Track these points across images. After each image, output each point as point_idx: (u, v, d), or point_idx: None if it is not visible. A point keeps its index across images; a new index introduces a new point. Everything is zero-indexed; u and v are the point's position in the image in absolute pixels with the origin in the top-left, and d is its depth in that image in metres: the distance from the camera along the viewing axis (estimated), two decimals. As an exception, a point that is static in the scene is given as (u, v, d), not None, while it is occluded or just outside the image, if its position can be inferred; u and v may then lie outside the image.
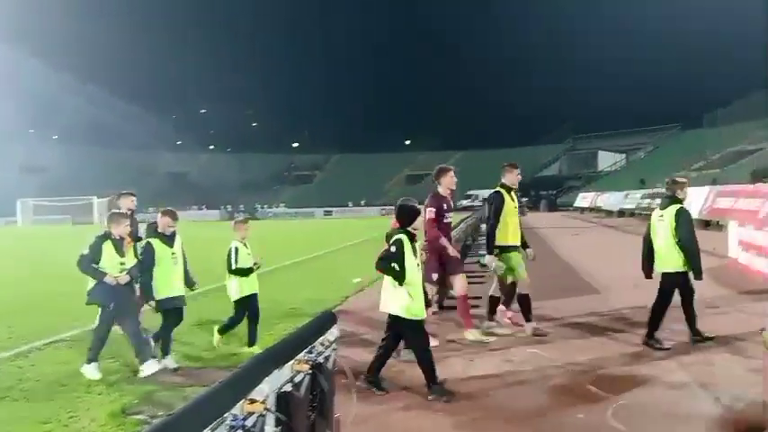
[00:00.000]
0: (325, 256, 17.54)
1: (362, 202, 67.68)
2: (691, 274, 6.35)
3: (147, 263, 6.17)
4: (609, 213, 36.18)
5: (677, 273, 6.45)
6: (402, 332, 5.28)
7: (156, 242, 6.26)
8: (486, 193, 62.05)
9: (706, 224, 19.48)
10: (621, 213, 33.50)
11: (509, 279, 7.26)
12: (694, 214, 21.15)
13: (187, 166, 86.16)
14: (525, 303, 7.07)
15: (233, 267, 6.68)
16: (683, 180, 6.81)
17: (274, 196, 76.96)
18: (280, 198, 76.73)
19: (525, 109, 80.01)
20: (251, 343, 6.69)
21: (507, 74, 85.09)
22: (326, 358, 2.88)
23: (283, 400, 2.29)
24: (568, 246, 18.27)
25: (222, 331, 6.81)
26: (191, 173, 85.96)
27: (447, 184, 7.01)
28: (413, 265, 5.17)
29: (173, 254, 6.31)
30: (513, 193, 7.24)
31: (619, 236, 22.40)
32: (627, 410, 4.57)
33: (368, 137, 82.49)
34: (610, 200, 38.29)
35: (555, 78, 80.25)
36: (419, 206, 5.62)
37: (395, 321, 5.23)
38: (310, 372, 2.63)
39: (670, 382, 5.23)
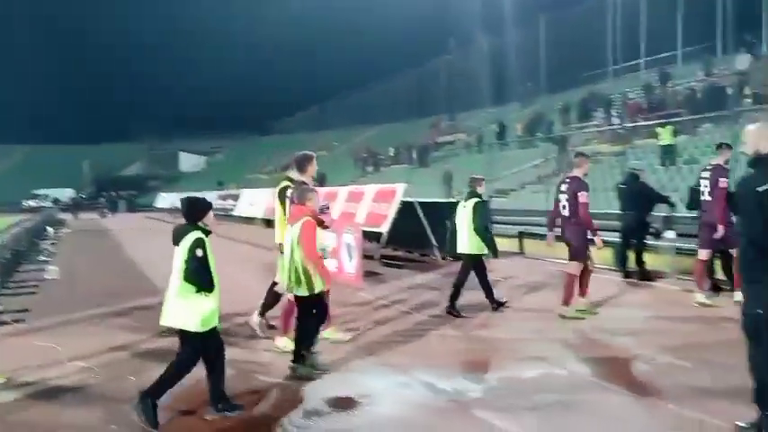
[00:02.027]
0: None
1: None
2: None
3: None
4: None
5: (473, 254, 7.70)
6: (186, 344, 4.53)
7: None
8: (59, 192, 56.64)
9: (268, 223, 21.57)
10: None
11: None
12: (260, 214, 23.29)
13: None
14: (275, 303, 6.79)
15: None
16: (480, 177, 8.07)
17: None
18: None
19: (105, 104, 75.33)
20: None
21: (88, 66, 78.52)
22: None
23: None
24: (145, 248, 18.11)
25: None
26: None
27: (312, 172, 6.47)
28: (214, 266, 4.51)
29: None
30: None
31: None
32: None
33: None
34: (188, 200, 38.99)
35: (138, 77, 77.55)
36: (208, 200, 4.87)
37: (186, 335, 4.51)
38: None
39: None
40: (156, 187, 60.99)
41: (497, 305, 7.91)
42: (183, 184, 57.41)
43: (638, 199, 10.04)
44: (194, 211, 4.65)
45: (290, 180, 6.61)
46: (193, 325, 4.45)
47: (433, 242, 13.15)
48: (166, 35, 76.88)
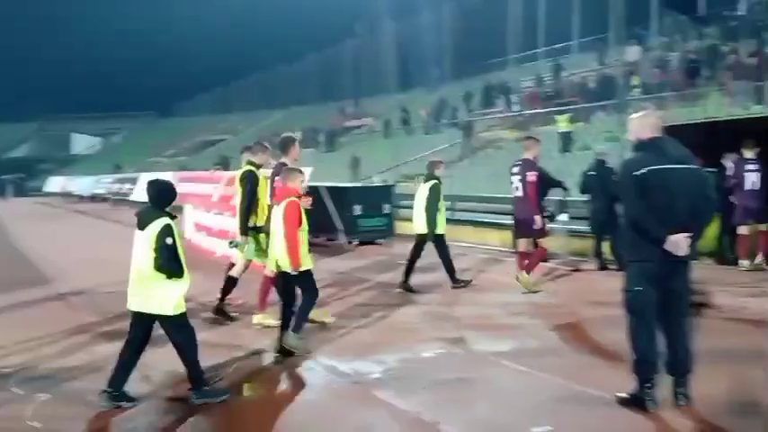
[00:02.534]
0: None
1: None
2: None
3: None
4: (81, 198, 35.19)
5: (430, 234, 7.95)
6: (168, 331, 4.45)
7: None
8: None
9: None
10: (93, 198, 32.97)
11: (261, 261, 6.58)
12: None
13: None
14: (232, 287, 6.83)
15: None
16: (439, 160, 8.69)
17: None
18: None
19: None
20: None
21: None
22: None
23: None
24: (36, 235, 17.04)
25: None
26: None
27: (295, 155, 6.49)
28: (182, 249, 4.41)
29: None
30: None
31: (88, 221, 22.02)
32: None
33: None
34: (82, 184, 37.19)
35: (25, 50, 72.17)
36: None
37: (148, 320, 4.43)
38: None
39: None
40: (47, 170, 57.39)
41: (459, 283, 8.17)
42: (76, 167, 54.41)
43: (535, 183, 10.43)
44: (163, 197, 4.48)
45: (252, 164, 6.65)
46: (170, 309, 4.37)
47: (340, 227, 13.16)
48: (58, 6, 72.10)
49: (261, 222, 6.54)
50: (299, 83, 45.47)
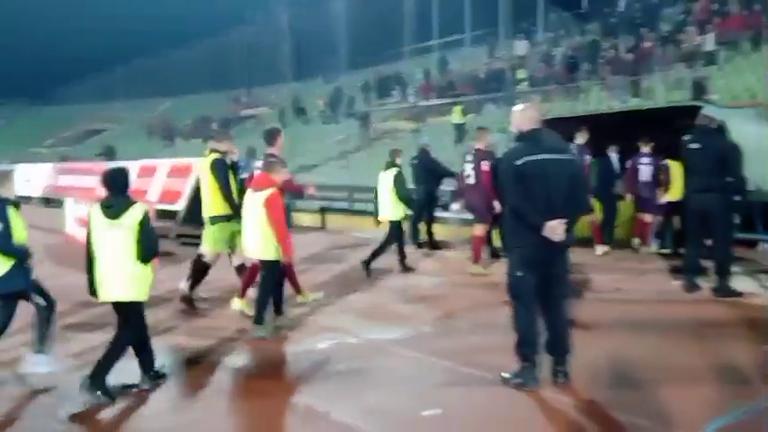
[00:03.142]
0: None
1: None
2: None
3: None
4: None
5: (394, 220, 8.37)
6: (128, 318, 4.44)
7: None
8: None
9: (48, 202, 19.62)
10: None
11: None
12: (38, 192, 21.04)
13: None
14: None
15: None
16: (400, 149, 9.12)
17: None
18: None
19: None
20: None
21: None
22: None
23: None
24: None
25: None
26: None
27: (281, 145, 6.82)
28: None
29: None
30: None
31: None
32: None
33: None
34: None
35: None
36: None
37: (123, 307, 4.42)
38: None
39: None
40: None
41: (406, 269, 8.58)
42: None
43: (429, 174, 10.68)
44: (120, 181, 4.44)
45: (217, 152, 6.72)
46: (143, 295, 4.45)
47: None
48: None
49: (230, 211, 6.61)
50: (189, 70, 43.77)
